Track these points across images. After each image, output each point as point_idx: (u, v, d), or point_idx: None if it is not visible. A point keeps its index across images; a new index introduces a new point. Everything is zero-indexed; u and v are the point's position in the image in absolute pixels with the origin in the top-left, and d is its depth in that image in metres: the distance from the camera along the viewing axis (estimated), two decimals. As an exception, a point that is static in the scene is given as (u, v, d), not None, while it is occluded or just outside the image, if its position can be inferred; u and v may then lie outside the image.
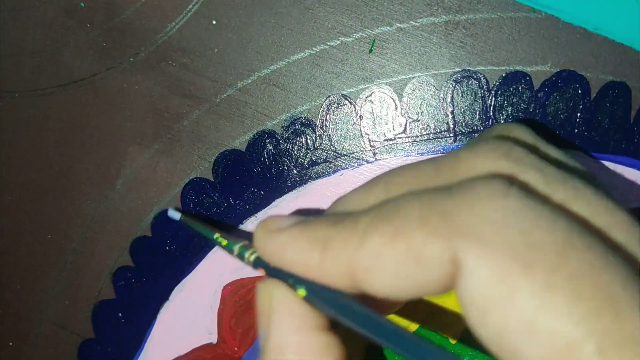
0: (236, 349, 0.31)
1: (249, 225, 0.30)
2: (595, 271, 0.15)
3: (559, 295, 0.14)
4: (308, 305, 0.19)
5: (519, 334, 0.15)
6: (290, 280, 0.19)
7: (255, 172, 0.29)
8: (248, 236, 0.30)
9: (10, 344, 0.34)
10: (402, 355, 0.17)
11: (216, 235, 0.26)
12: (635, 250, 0.16)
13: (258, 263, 0.22)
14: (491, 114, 0.27)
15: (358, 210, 0.19)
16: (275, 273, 0.20)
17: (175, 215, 0.30)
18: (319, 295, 0.19)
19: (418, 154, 0.28)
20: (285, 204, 0.29)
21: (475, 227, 0.16)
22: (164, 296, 0.31)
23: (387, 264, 0.17)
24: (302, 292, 0.19)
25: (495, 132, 0.20)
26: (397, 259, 0.16)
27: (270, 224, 0.20)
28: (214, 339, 0.31)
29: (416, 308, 0.28)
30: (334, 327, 0.20)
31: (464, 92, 0.27)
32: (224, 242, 0.25)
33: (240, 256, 0.23)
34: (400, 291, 0.17)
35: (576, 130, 0.27)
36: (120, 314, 0.32)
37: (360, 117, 0.28)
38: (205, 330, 0.31)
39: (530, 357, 0.15)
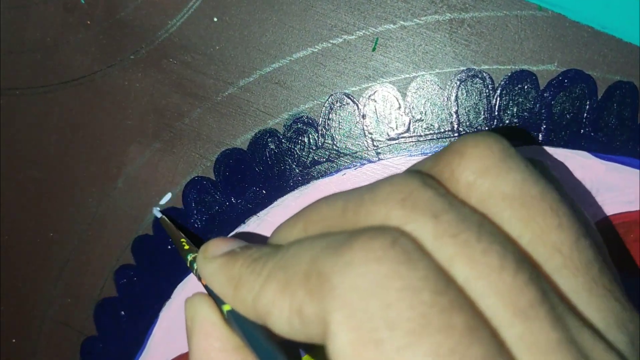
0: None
1: (251, 224, 0.30)
2: (439, 357, 0.14)
3: None
4: (227, 325, 0.21)
5: None
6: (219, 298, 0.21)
7: (257, 171, 0.29)
8: (247, 237, 0.30)
9: (13, 341, 0.34)
10: None
11: (182, 240, 0.27)
12: (503, 318, 0.15)
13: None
14: (496, 113, 0.27)
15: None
16: (208, 288, 0.22)
17: (157, 214, 0.30)
18: (237, 319, 0.20)
19: (422, 153, 0.28)
20: (287, 203, 0.29)
21: (343, 292, 0.15)
22: (166, 294, 0.31)
23: (280, 313, 0.17)
24: (227, 307, 0.21)
25: (444, 154, 0.19)
26: (286, 310, 0.17)
27: (209, 249, 0.21)
28: (216, 337, 0.31)
29: None
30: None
31: (468, 91, 0.27)
32: (184, 250, 0.26)
33: (191, 266, 0.25)
34: (295, 337, 0.18)
35: (582, 131, 0.27)
36: (122, 312, 0.32)
37: (363, 116, 0.28)
38: (207, 329, 0.31)
39: None
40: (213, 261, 0.21)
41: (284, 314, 0.17)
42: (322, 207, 0.20)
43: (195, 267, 0.24)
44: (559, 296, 0.17)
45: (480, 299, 0.16)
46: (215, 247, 0.21)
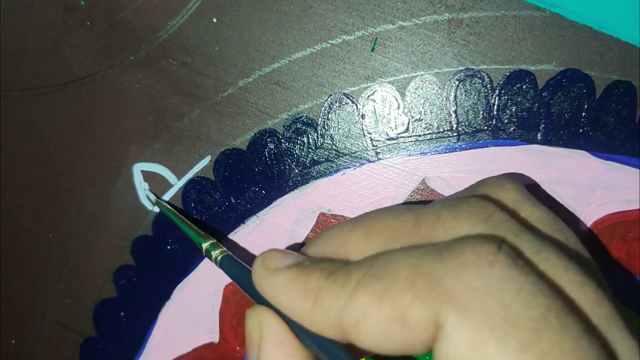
0: (238, 348, 0.31)
1: (251, 224, 0.30)
2: (564, 355, 0.15)
3: None
4: (295, 336, 0.20)
5: None
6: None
7: (257, 171, 0.29)
8: (247, 237, 0.30)
9: (13, 342, 0.34)
10: None
11: (191, 226, 0.28)
12: (610, 331, 0.17)
13: (223, 265, 0.25)
14: (495, 113, 0.27)
15: (338, 253, 0.20)
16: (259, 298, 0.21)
17: (150, 196, 0.30)
18: (305, 332, 0.20)
19: (421, 153, 0.28)
20: (287, 203, 0.29)
21: (458, 294, 0.16)
22: (166, 295, 0.31)
23: (374, 322, 0.17)
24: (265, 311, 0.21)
25: (483, 187, 0.21)
26: (384, 318, 0.17)
27: (269, 260, 0.21)
28: (215, 338, 0.31)
29: None
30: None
31: (467, 91, 0.27)
32: (195, 237, 0.27)
33: (208, 254, 0.26)
34: (386, 348, 0.18)
35: (581, 130, 0.27)
36: (121, 313, 0.32)
37: (363, 116, 0.28)
38: (206, 330, 0.31)
39: None
40: (279, 274, 0.20)
41: (380, 323, 0.17)
42: (387, 217, 0.20)
43: (214, 255, 0.25)
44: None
45: (585, 310, 0.17)
46: (276, 259, 0.21)
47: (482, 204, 0.19)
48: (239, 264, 0.25)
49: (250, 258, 0.30)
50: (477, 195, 0.20)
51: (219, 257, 0.26)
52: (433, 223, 0.19)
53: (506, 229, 0.18)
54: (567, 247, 0.19)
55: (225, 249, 0.26)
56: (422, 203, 0.28)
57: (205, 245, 0.26)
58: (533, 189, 0.27)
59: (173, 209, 0.29)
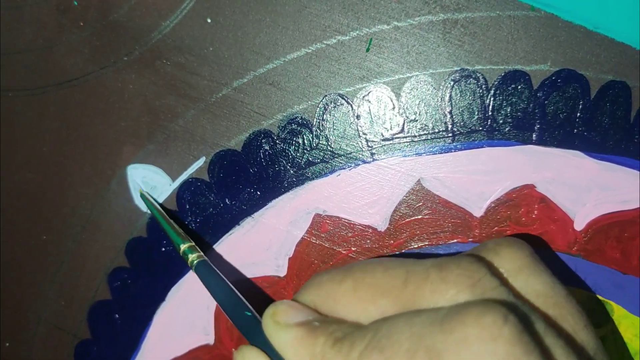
0: (233, 349, 0.31)
1: (246, 225, 0.30)
2: None
3: None
4: None
5: None
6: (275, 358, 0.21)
7: (252, 172, 0.29)
8: (243, 239, 0.30)
9: (7, 344, 0.33)
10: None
11: (173, 226, 0.28)
12: None
13: (197, 270, 0.25)
14: (490, 113, 0.27)
15: (327, 303, 0.20)
16: (257, 342, 0.22)
17: (137, 190, 0.30)
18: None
19: (416, 154, 0.28)
20: (282, 205, 0.29)
21: None
22: (161, 297, 0.31)
23: None
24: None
25: (481, 250, 0.20)
26: None
27: (279, 314, 0.21)
28: (210, 339, 0.31)
29: None
30: None
31: (462, 91, 0.27)
32: (175, 237, 0.27)
33: (185, 255, 0.26)
34: None
35: (576, 130, 0.27)
36: (116, 315, 0.32)
37: (358, 116, 0.28)
38: (202, 331, 0.31)
39: None
40: (287, 330, 0.20)
41: None
42: (376, 271, 0.20)
43: (190, 259, 0.26)
44: None
45: None
46: (286, 314, 0.21)
47: (472, 267, 0.18)
48: (214, 272, 0.25)
49: (246, 259, 0.30)
50: (470, 255, 0.20)
51: (194, 262, 0.26)
52: (421, 282, 0.19)
53: (494, 297, 0.17)
54: (558, 324, 0.19)
55: (202, 254, 0.26)
56: (419, 205, 0.28)
57: (183, 247, 0.26)
58: (527, 190, 0.27)
59: (158, 206, 0.29)
